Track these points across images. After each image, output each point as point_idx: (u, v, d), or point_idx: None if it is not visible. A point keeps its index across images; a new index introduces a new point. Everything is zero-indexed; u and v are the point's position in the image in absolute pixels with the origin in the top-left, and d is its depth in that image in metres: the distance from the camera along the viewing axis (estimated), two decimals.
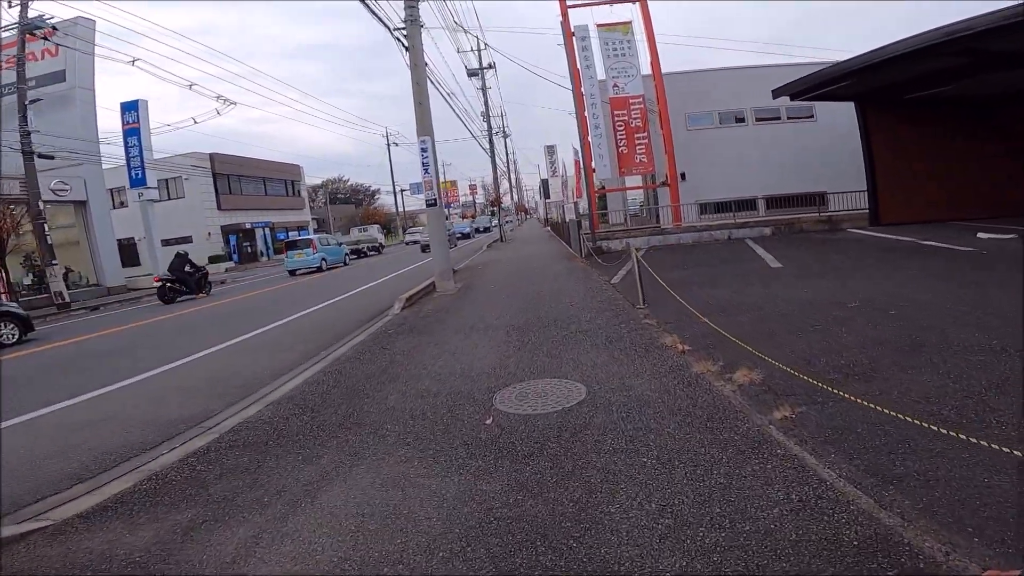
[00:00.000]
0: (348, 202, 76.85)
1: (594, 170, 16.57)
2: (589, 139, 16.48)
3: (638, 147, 16.65)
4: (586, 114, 16.59)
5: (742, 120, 18.51)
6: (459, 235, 38.62)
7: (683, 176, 17.23)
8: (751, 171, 18.10)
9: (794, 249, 11.93)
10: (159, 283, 16.24)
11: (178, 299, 16.17)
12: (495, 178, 31.71)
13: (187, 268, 16.59)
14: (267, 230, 41.34)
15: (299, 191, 48.97)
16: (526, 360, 5.41)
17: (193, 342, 8.67)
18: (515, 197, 72.42)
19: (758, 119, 18.42)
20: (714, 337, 5.28)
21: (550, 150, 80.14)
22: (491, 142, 31.69)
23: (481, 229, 53.02)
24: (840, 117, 17.87)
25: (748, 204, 17.03)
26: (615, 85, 17.13)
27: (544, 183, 54.95)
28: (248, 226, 39.37)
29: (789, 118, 18.27)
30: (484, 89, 33.82)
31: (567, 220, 21.18)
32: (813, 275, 8.51)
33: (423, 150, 11.49)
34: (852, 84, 13.58)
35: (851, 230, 14.79)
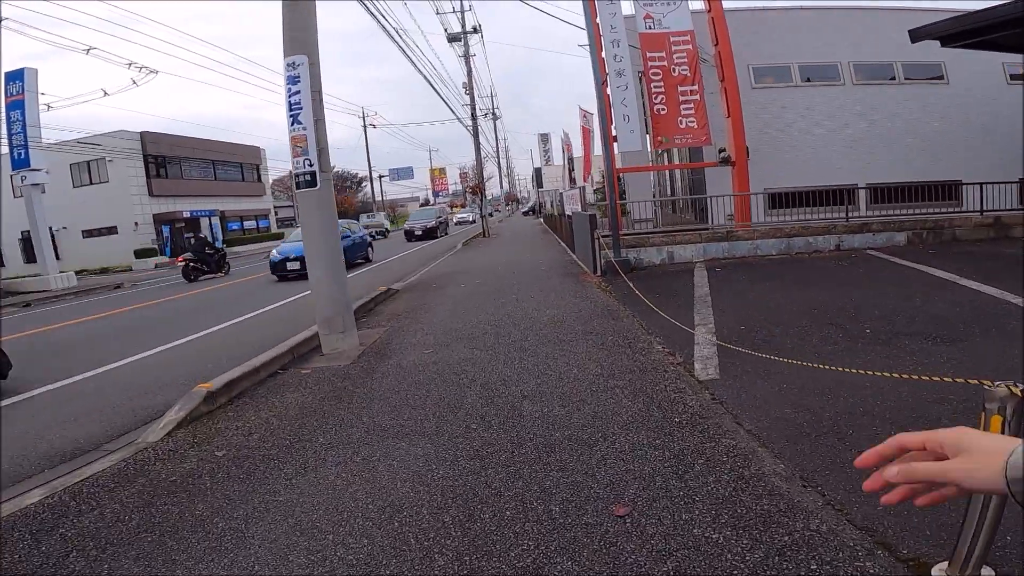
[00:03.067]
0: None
1: (614, 138, 10.70)
2: (608, 91, 10.59)
3: (684, 106, 10.79)
4: (603, 55, 10.72)
5: (834, 78, 12.57)
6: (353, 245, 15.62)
7: (728, 158, 11.37)
8: (847, 150, 12.27)
9: None
10: (183, 263, 16.76)
11: (200, 277, 16.59)
12: (478, 161, 25.70)
13: (207, 250, 17.63)
14: (214, 219, 35.15)
15: (260, 176, 42.74)
16: None
17: None
18: (504, 186, 66.05)
19: (860, 78, 12.49)
20: None
21: (544, 138, 74.43)
22: (473, 116, 25.68)
23: (418, 233, 26.56)
24: (982, 79, 12.16)
25: (843, 196, 11.22)
26: (647, 16, 11.27)
27: (537, 172, 49.15)
28: (188, 215, 33.16)
29: (907, 79, 12.34)
30: (467, 56, 27.93)
31: (568, 213, 15.35)
32: None
33: (292, 79, 5.60)
34: None
35: None
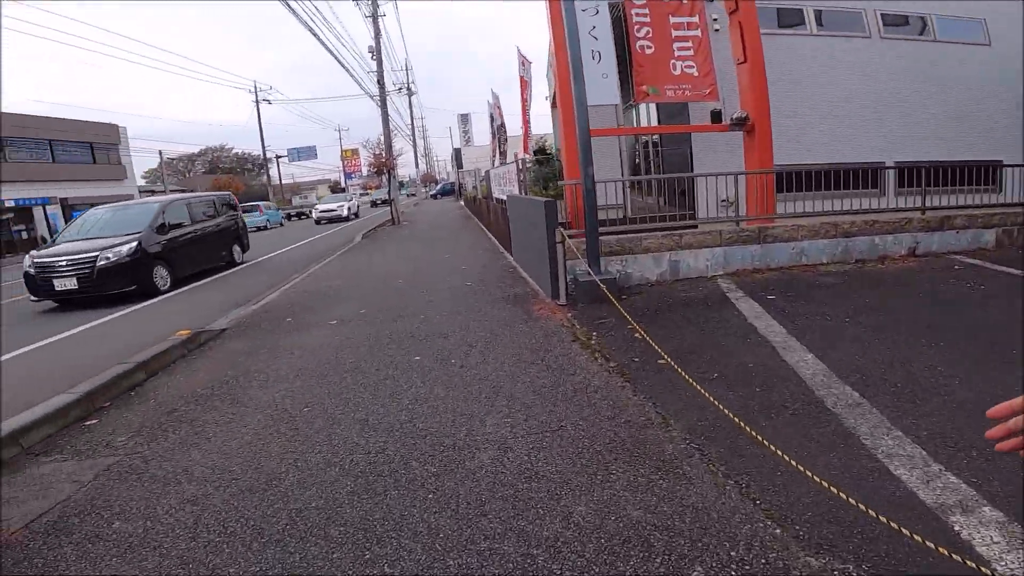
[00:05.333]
0: (232, 172, 64.98)
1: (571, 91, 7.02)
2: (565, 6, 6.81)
3: (679, 45, 7.31)
4: None
5: (858, 28, 9.51)
6: None
7: (744, 119, 8.04)
8: (874, 120, 9.35)
9: None
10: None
11: None
12: (386, 134, 21.13)
13: None
14: (51, 207, 27.86)
15: (118, 158, 35.01)
16: None
17: None
18: (421, 166, 60.75)
19: (888, 31, 9.50)
20: None
21: (464, 119, 70.01)
22: (380, 82, 21.07)
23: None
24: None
25: (865, 178, 8.31)
26: None
27: (457, 152, 44.89)
28: (12, 203, 25.86)
29: (941, 37, 9.51)
30: (375, 16, 23.11)
31: (501, 197, 11.42)
32: None
33: None
34: None
35: None
